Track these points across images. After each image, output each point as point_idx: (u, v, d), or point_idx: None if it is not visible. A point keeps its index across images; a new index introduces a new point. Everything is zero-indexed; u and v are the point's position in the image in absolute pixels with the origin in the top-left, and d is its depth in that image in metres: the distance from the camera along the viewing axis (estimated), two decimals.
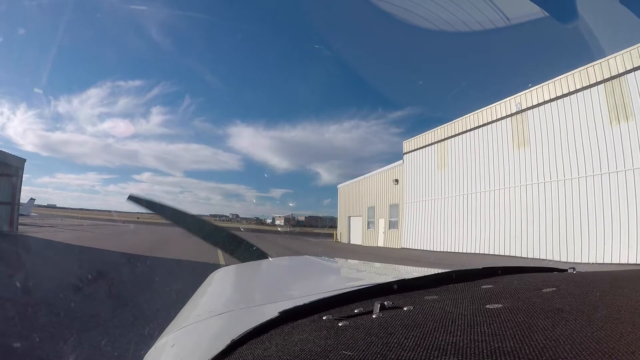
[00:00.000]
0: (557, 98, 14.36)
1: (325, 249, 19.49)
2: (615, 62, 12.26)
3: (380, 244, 24.94)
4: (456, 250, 18.39)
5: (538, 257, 13.96)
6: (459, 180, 19.16)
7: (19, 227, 22.30)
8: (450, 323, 0.56)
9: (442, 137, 20.65)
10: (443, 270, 1.05)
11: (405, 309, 0.69)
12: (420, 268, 1.62)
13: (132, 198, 2.15)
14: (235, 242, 2.18)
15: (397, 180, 24.25)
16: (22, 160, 23.20)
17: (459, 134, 19.47)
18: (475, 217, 17.77)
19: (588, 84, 13.19)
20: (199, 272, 2.12)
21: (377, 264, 2.55)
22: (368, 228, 27.24)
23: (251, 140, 78.33)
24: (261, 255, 2.10)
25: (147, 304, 5.30)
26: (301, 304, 0.74)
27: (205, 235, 2.35)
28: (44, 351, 3.54)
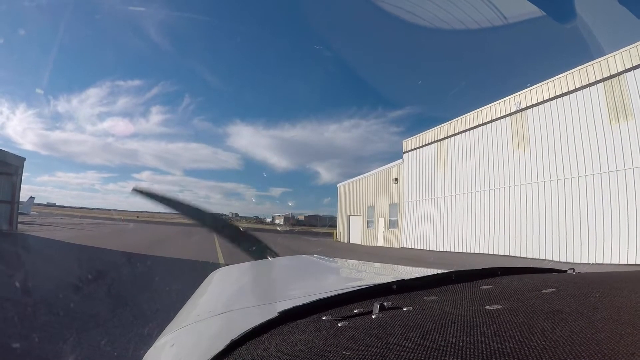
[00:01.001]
0: (556, 97, 14.37)
1: (325, 249, 19.50)
2: (615, 61, 12.26)
3: (380, 243, 24.95)
4: (456, 250, 18.41)
5: (537, 257, 13.97)
6: (459, 180, 19.17)
7: (19, 225, 22.30)
8: (449, 324, 0.56)
9: (442, 136, 20.65)
10: (442, 271, 1.05)
11: (404, 309, 0.69)
12: (419, 268, 1.62)
13: (137, 190, 2.10)
14: (241, 236, 2.17)
15: (396, 180, 24.26)
16: (22, 159, 23.19)
17: (458, 133, 19.48)
18: (474, 217, 17.78)
19: (587, 83, 13.20)
20: (199, 271, 2.12)
21: (377, 264, 2.55)
22: (368, 227, 27.26)
23: (251, 140, 78.32)
24: (268, 251, 2.09)
25: (147, 304, 5.31)
26: (300, 304, 0.74)
27: (210, 228, 2.34)
28: (43, 351, 3.54)
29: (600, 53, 12.09)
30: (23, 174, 23.31)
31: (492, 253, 16.25)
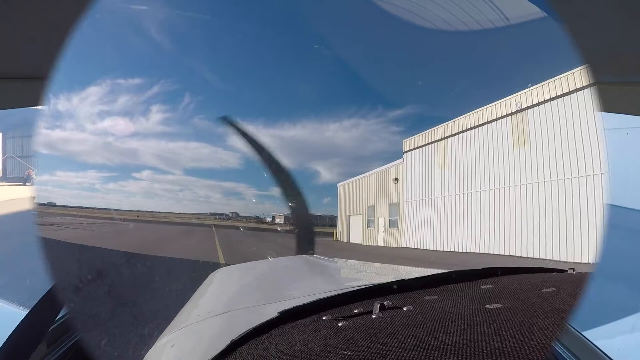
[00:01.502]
0: (557, 97, 14.36)
1: (325, 248, 19.48)
2: None
3: (380, 243, 24.94)
4: (456, 250, 18.39)
5: (538, 256, 13.96)
6: (459, 179, 19.16)
7: None
8: (450, 323, 0.56)
9: (442, 136, 20.65)
10: (443, 271, 1.05)
11: (405, 309, 0.69)
12: (420, 268, 1.62)
13: (226, 120, 2.01)
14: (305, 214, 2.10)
15: (397, 179, 24.27)
16: None
17: (459, 132, 19.48)
18: (475, 216, 17.78)
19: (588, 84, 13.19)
20: (199, 272, 2.12)
21: (377, 264, 2.55)
22: (368, 227, 27.24)
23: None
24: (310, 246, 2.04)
25: (147, 304, 5.30)
26: (301, 304, 0.74)
27: (279, 186, 2.21)
28: None
29: None
30: None
31: (492, 253, 16.23)
